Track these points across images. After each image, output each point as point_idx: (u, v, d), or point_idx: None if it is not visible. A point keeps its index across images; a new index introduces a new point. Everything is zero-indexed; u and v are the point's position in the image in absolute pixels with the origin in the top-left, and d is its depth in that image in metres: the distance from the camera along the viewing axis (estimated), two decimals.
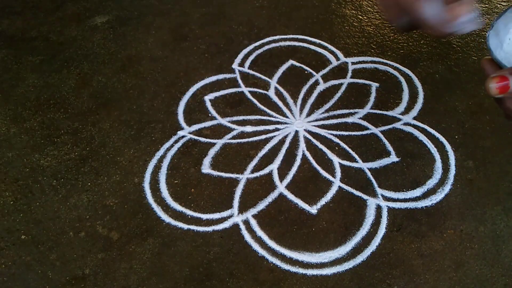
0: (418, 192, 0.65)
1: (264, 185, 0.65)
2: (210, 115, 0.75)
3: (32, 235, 0.60)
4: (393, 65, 0.83)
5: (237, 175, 0.66)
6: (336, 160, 0.68)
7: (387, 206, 0.63)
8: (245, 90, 0.79)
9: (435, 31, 0.34)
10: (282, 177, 0.66)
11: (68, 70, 0.82)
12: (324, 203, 0.63)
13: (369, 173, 0.67)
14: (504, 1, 0.98)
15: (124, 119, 0.74)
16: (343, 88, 0.79)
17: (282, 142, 0.71)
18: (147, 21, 0.92)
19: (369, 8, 0.96)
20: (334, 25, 0.91)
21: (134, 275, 0.56)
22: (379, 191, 0.65)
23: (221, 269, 0.56)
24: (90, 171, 0.67)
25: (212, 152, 0.69)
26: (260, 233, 0.60)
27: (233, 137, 0.71)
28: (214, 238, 0.59)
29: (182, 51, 0.85)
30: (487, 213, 0.62)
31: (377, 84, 0.80)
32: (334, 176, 0.66)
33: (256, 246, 0.59)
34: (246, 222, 0.61)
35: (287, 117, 0.75)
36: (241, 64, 0.83)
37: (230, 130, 0.72)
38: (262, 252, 0.58)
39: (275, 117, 0.74)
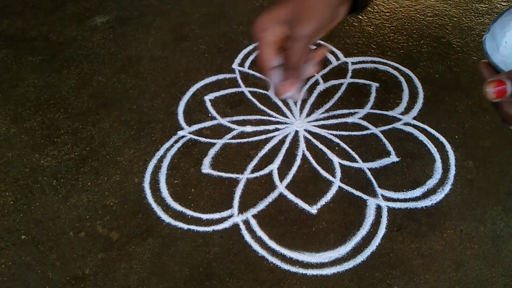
0: (418, 192, 0.65)
1: (264, 185, 0.65)
2: (210, 115, 0.75)
3: (32, 235, 0.60)
4: (393, 65, 0.83)
5: (237, 175, 0.66)
6: (336, 160, 0.68)
7: (387, 206, 0.63)
8: (245, 90, 0.79)
9: (275, 94, 0.46)
10: (282, 177, 0.66)
11: (68, 70, 0.82)
12: (324, 203, 0.63)
13: (369, 173, 0.67)
14: (504, 1, 0.98)
15: (124, 119, 0.74)
16: (343, 88, 0.79)
17: (282, 142, 0.71)
18: (147, 21, 0.92)
19: (369, 8, 0.96)
20: None
21: (134, 275, 0.56)
22: (379, 191, 0.65)
23: (221, 269, 0.56)
24: (90, 171, 0.67)
25: (212, 152, 0.69)
26: (260, 233, 0.60)
27: (233, 137, 0.71)
28: (214, 238, 0.59)
29: (182, 51, 0.85)
30: (487, 213, 0.62)
31: (377, 84, 0.80)
32: (334, 176, 0.66)
33: (256, 246, 0.59)
34: (246, 222, 0.61)
35: (287, 117, 0.75)
36: (241, 64, 0.83)
37: (230, 130, 0.72)
38: (262, 252, 0.58)
39: (275, 117, 0.74)
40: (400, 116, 0.75)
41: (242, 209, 0.63)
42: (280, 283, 0.55)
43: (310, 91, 0.79)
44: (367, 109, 0.76)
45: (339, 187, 0.65)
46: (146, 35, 0.89)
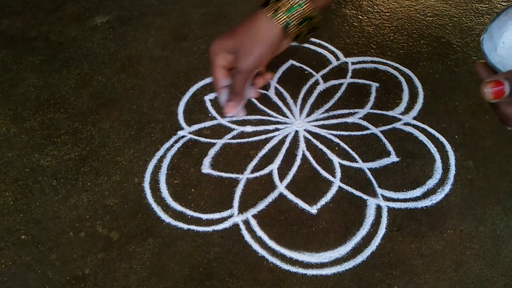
0: (418, 192, 0.65)
1: (264, 185, 0.65)
2: (210, 115, 0.75)
3: (32, 235, 0.60)
4: (393, 65, 0.83)
5: (237, 175, 0.66)
6: (336, 160, 0.68)
7: (387, 206, 0.63)
8: None
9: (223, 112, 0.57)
10: (282, 177, 0.66)
11: (68, 70, 0.82)
12: (324, 203, 0.63)
13: (369, 173, 0.67)
14: (504, 1, 0.98)
15: (124, 119, 0.74)
16: (343, 88, 0.79)
17: (282, 142, 0.71)
18: (147, 21, 0.92)
19: (369, 8, 0.96)
20: (334, 25, 0.91)
21: (134, 275, 0.56)
22: (379, 191, 0.65)
23: (221, 269, 0.56)
24: (90, 171, 0.67)
25: (212, 152, 0.69)
26: (260, 233, 0.60)
27: (233, 137, 0.71)
28: (214, 238, 0.59)
29: (182, 51, 0.85)
30: (487, 213, 0.62)
31: (377, 84, 0.80)
32: (334, 176, 0.66)
33: (256, 246, 0.59)
34: (246, 222, 0.61)
35: (287, 117, 0.75)
36: None
37: (230, 130, 0.72)
38: (262, 252, 0.58)
39: (275, 117, 0.74)
40: (400, 116, 0.75)
41: (242, 209, 0.63)
42: (280, 283, 0.55)
43: (310, 91, 0.79)
44: (367, 109, 0.76)
45: (339, 187, 0.65)
46: (146, 35, 0.89)
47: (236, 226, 0.61)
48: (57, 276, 0.56)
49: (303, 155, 0.69)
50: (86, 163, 0.68)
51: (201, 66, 0.82)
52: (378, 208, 0.63)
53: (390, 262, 0.57)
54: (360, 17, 0.94)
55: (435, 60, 0.84)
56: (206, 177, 0.66)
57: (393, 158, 0.69)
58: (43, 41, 0.88)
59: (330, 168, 0.67)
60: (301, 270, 0.57)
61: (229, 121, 0.73)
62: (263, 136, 0.71)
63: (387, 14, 0.95)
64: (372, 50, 0.86)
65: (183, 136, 0.71)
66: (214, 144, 0.70)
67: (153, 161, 0.68)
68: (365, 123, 0.73)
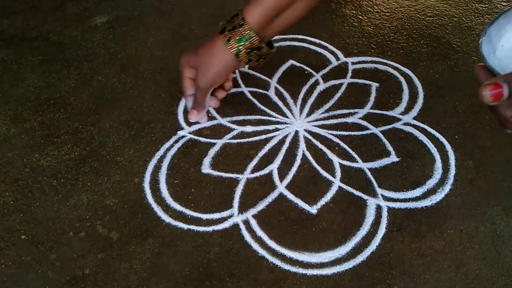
0: (418, 192, 0.65)
1: (264, 185, 0.65)
2: (210, 115, 0.75)
3: (32, 235, 0.60)
4: (393, 65, 0.83)
5: (237, 175, 0.66)
6: (336, 160, 0.68)
7: (387, 206, 0.63)
8: (245, 90, 0.79)
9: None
10: (282, 177, 0.66)
11: (68, 70, 0.82)
12: (324, 203, 0.63)
13: (369, 173, 0.67)
14: (504, 1, 0.98)
15: (124, 119, 0.74)
16: (343, 88, 0.79)
17: (282, 142, 0.71)
18: (147, 21, 0.92)
19: (369, 8, 0.96)
20: (334, 25, 0.91)
21: (134, 275, 0.56)
22: (379, 191, 0.65)
23: (221, 269, 0.56)
24: (90, 171, 0.67)
25: (212, 152, 0.69)
26: (260, 233, 0.60)
27: (233, 137, 0.71)
28: (214, 238, 0.59)
29: (182, 51, 0.85)
30: (487, 213, 0.62)
31: (377, 84, 0.80)
32: (334, 176, 0.66)
33: (256, 246, 0.59)
34: (246, 222, 0.61)
35: (287, 117, 0.75)
36: None
37: (230, 130, 0.72)
38: (262, 252, 0.58)
39: (275, 117, 0.74)
40: (400, 116, 0.75)
41: (242, 209, 0.63)
42: (280, 283, 0.55)
43: (310, 91, 0.79)
44: (367, 109, 0.76)
45: (339, 187, 0.65)
46: (146, 35, 0.89)
47: (236, 226, 0.61)
48: (57, 276, 0.56)
49: (303, 155, 0.69)
50: (86, 163, 0.68)
51: None
52: (378, 208, 0.63)
53: (390, 262, 0.57)
54: (360, 17, 0.94)
55: (435, 60, 0.84)
56: (206, 177, 0.66)
57: (393, 158, 0.69)
58: (43, 41, 0.88)
59: (330, 168, 0.67)
60: (301, 270, 0.57)
61: (229, 121, 0.73)
62: (263, 136, 0.71)
63: (387, 14, 0.95)
64: (372, 50, 0.86)
65: (183, 136, 0.71)
66: (214, 144, 0.70)
67: (153, 161, 0.68)
68: (365, 123, 0.73)
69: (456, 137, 0.72)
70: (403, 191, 0.65)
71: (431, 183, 0.66)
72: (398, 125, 0.73)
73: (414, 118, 0.74)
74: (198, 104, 0.68)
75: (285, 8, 0.60)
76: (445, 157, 0.69)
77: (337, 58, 0.84)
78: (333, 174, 0.67)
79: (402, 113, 0.75)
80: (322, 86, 0.79)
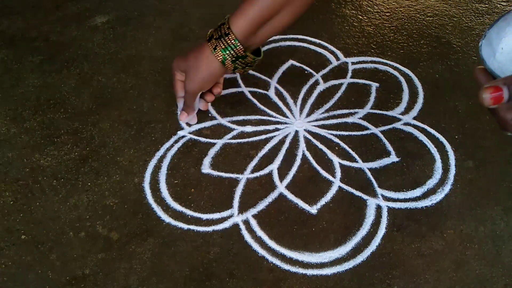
0: (418, 192, 0.65)
1: (264, 185, 0.65)
2: (210, 115, 0.75)
3: (32, 235, 0.60)
4: (393, 65, 0.83)
5: (237, 175, 0.66)
6: (336, 160, 0.68)
7: (387, 206, 0.63)
8: (245, 90, 0.79)
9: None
10: (282, 177, 0.66)
11: (68, 70, 0.82)
12: (324, 203, 0.63)
13: (369, 173, 0.67)
14: (504, 1, 0.98)
15: (124, 119, 0.74)
16: (343, 88, 0.79)
17: (282, 142, 0.71)
18: (147, 21, 0.92)
19: (369, 8, 0.96)
20: (334, 25, 0.91)
21: (134, 275, 0.56)
22: (379, 191, 0.65)
23: (221, 269, 0.56)
24: (90, 171, 0.67)
25: (212, 152, 0.69)
26: (260, 233, 0.60)
27: (233, 137, 0.71)
28: (214, 238, 0.59)
29: (182, 51, 0.85)
30: (487, 213, 0.62)
31: (377, 84, 0.80)
32: (334, 176, 0.66)
33: (256, 246, 0.59)
34: (246, 222, 0.61)
35: (287, 117, 0.75)
36: None
37: (230, 130, 0.72)
38: (262, 252, 0.58)
39: (275, 117, 0.74)
40: (400, 116, 0.75)
41: (242, 209, 0.63)
42: (280, 283, 0.55)
43: (310, 91, 0.79)
44: (367, 109, 0.76)
45: (339, 187, 0.65)
46: (146, 35, 0.89)
47: (236, 226, 0.61)
48: (57, 276, 0.56)
49: (303, 155, 0.69)
50: (86, 163, 0.68)
51: None
52: (378, 208, 0.63)
53: (390, 262, 0.57)
54: (360, 17, 0.94)
55: (435, 60, 0.84)
56: (206, 177, 0.66)
57: (393, 158, 0.69)
58: (43, 41, 0.88)
59: (330, 168, 0.67)
60: (301, 270, 0.57)
61: (229, 121, 0.73)
62: (263, 136, 0.71)
63: (387, 14, 0.95)
64: (372, 50, 0.86)
65: (183, 136, 0.71)
66: (214, 144, 0.70)
67: (153, 161, 0.68)
68: (365, 123, 0.73)
69: (456, 137, 0.72)
70: (403, 191, 0.65)
71: (431, 183, 0.66)
72: (398, 125, 0.73)
73: (414, 118, 0.74)
74: (188, 107, 0.69)
75: (271, 17, 0.61)
76: (445, 157, 0.69)
77: (337, 58, 0.84)
78: (333, 174, 0.67)
79: (402, 113, 0.75)
80: (322, 86, 0.79)
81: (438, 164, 0.68)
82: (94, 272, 0.56)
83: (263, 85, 0.79)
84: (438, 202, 0.63)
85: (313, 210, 0.62)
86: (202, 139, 0.71)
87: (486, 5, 0.96)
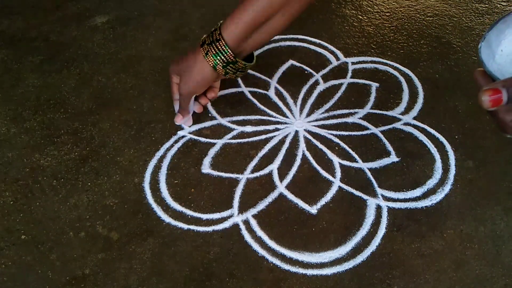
0: (418, 192, 0.65)
1: (264, 185, 0.65)
2: (210, 115, 0.75)
3: (32, 235, 0.60)
4: (393, 65, 0.83)
5: (237, 175, 0.66)
6: (336, 160, 0.68)
7: (387, 206, 0.63)
8: (245, 90, 0.79)
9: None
10: (282, 177, 0.66)
11: (68, 70, 0.82)
12: (324, 203, 0.63)
13: (369, 173, 0.67)
14: (504, 1, 0.98)
15: (124, 119, 0.74)
16: (343, 88, 0.79)
17: (282, 142, 0.71)
18: (147, 21, 0.92)
19: (369, 8, 0.96)
20: (334, 25, 0.91)
21: (134, 275, 0.56)
22: (379, 191, 0.65)
23: (221, 269, 0.56)
24: (90, 171, 0.67)
25: (212, 152, 0.69)
26: (260, 233, 0.60)
27: (233, 137, 0.71)
28: (214, 238, 0.59)
29: (182, 51, 0.85)
30: (487, 213, 0.62)
31: (377, 84, 0.80)
32: (334, 176, 0.66)
33: (256, 246, 0.59)
34: (246, 222, 0.61)
35: (287, 117, 0.75)
36: None
37: (230, 130, 0.72)
38: (262, 252, 0.58)
39: (275, 117, 0.74)
40: (400, 116, 0.75)
41: (242, 209, 0.63)
42: (280, 283, 0.55)
43: (310, 91, 0.79)
44: (367, 109, 0.76)
45: (339, 187, 0.65)
46: (146, 35, 0.89)
47: (236, 226, 0.61)
48: (57, 276, 0.56)
49: (303, 155, 0.69)
50: (86, 163, 0.68)
51: None
52: (378, 208, 0.63)
53: (390, 262, 0.57)
54: (360, 17, 0.94)
55: (435, 60, 0.84)
56: (206, 177, 0.66)
57: (393, 158, 0.69)
58: (43, 41, 0.88)
59: (330, 168, 0.67)
60: (301, 270, 0.57)
61: (229, 121, 0.73)
62: (263, 136, 0.71)
63: (387, 14, 0.95)
64: (372, 50, 0.86)
65: (183, 136, 0.71)
66: (214, 144, 0.70)
67: (153, 161, 0.68)
68: (365, 123, 0.73)
69: (456, 137, 0.72)
70: (403, 191, 0.65)
71: (431, 183, 0.66)
72: (398, 125, 0.73)
73: (414, 118, 0.74)
74: (183, 109, 0.70)
75: (262, 24, 0.62)
76: (445, 157, 0.69)
77: (337, 58, 0.84)
78: (333, 174, 0.67)
79: (402, 113, 0.75)
80: (322, 86, 0.79)
81: (438, 164, 0.68)
82: (94, 272, 0.56)
83: (263, 85, 0.79)
84: (438, 202, 0.63)
85: (313, 210, 0.62)
86: (202, 139, 0.71)
87: (486, 5, 0.96)
